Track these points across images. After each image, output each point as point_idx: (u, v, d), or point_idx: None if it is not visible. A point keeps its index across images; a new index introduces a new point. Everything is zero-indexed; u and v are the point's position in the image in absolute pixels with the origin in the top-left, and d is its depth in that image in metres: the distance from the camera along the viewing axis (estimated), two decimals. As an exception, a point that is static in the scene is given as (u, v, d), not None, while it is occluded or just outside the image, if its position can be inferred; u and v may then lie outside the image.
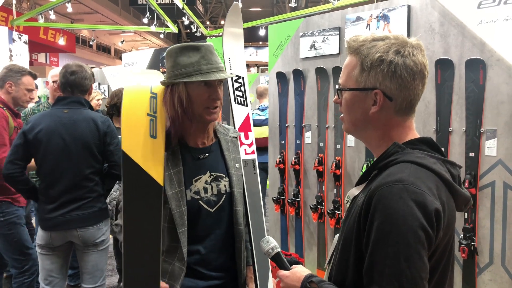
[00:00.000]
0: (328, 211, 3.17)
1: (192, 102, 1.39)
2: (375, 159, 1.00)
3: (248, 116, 1.72)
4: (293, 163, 3.42)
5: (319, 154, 3.27)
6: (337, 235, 1.06)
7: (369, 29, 2.93)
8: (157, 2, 10.32)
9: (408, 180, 0.85)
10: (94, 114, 2.41)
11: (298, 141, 3.45)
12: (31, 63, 12.37)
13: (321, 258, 3.38)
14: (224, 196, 1.49)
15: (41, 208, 2.35)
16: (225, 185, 1.50)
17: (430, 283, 0.86)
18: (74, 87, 2.39)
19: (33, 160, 2.37)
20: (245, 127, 1.69)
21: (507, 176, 2.35)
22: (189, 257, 1.43)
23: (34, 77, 2.98)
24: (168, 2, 11.10)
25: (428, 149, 0.96)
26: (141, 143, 1.29)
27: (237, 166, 1.54)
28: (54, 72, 3.27)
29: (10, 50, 5.82)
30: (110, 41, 21.13)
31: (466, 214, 2.47)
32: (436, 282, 0.91)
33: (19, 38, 6.26)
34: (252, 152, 1.66)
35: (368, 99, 0.95)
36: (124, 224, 1.24)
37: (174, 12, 10.75)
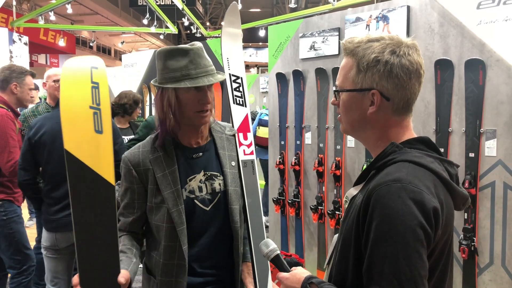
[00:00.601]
0: (328, 211, 3.17)
1: (181, 106, 1.40)
2: (373, 159, 1.00)
3: (247, 116, 1.70)
4: (293, 163, 3.43)
5: (319, 155, 3.27)
6: (336, 235, 1.07)
7: (369, 29, 2.93)
8: (157, 3, 10.32)
9: (406, 179, 0.85)
10: None
11: (298, 142, 3.46)
12: (31, 64, 12.38)
13: (321, 259, 3.38)
14: (219, 194, 1.49)
15: (46, 209, 2.36)
16: (219, 184, 1.50)
17: (429, 282, 0.86)
18: None
19: None
20: (244, 128, 1.68)
21: (507, 177, 2.35)
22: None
23: (34, 76, 2.99)
24: (168, 3, 11.11)
25: (425, 148, 0.96)
26: (85, 140, 1.15)
27: (233, 164, 1.54)
28: (53, 72, 3.26)
29: (11, 51, 5.83)
30: (110, 42, 21.14)
31: (466, 214, 2.47)
32: (436, 281, 0.91)
33: (20, 39, 6.26)
34: (251, 153, 1.64)
35: (366, 99, 0.96)
36: (75, 227, 1.15)
37: (174, 13, 10.75)
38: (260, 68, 19.57)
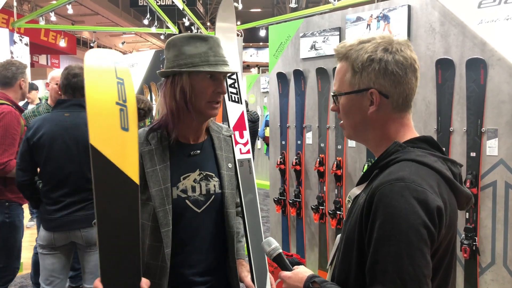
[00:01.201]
0: (329, 211, 3.16)
1: (195, 95, 1.32)
2: (375, 158, 1.00)
3: (242, 113, 1.64)
4: (294, 163, 3.42)
5: (320, 155, 3.27)
6: (338, 236, 1.06)
7: (369, 29, 2.93)
8: (157, 3, 10.31)
9: (409, 178, 0.85)
10: None
11: (299, 142, 3.45)
12: (32, 65, 12.38)
13: (322, 259, 3.37)
14: (213, 196, 1.41)
15: (44, 209, 2.35)
16: (214, 185, 1.42)
17: (433, 281, 0.86)
18: (75, 89, 2.39)
19: None
20: (240, 126, 1.62)
21: (509, 176, 2.35)
22: (173, 259, 1.35)
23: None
24: (168, 3, 11.10)
25: (428, 147, 0.96)
26: (112, 137, 1.10)
27: (230, 166, 1.46)
28: (57, 73, 3.24)
29: (11, 52, 5.82)
30: (111, 42, 21.14)
31: (467, 214, 2.47)
32: (440, 281, 0.91)
33: (20, 40, 6.26)
34: (248, 152, 1.59)
35: (365, 100, 0.96)
36: (98, 226, 1.10)
37: (174, 13, 10.74)
38: (261, 68, 19.56)
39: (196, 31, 11.34)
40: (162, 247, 1.33)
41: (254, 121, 5.80)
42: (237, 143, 1.59)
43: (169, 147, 1.38)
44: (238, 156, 1.55)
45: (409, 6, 2.71)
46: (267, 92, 6.86)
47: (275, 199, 3.64)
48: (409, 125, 0.99)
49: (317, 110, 3.29)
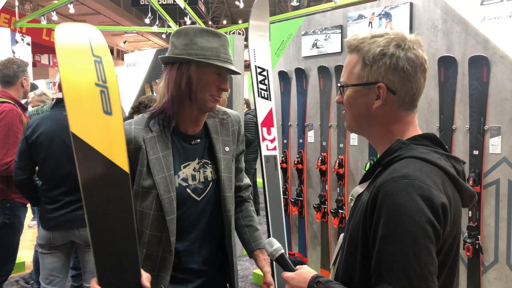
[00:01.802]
0: (332, 210, 3.16)
1: (201, 86, 1.33)
2: (378, 156, 0.99)
3: (271, 110, 1.62)
4: (295, 162, 3.41)
5: (322, 153, 3.26)
6: (342, 235, 1.05)
7: (371, 27, 2.92)
8: (159, 3, 10.31)
9: (414, 175, 0.84)
10: None
11: (300, 140, 3.44)
12: (34, 64, 12.40)
13: (324, 258, 3.37)
14: (211, 183, 1.42)
15: (43, 208, 2.35)
16: (211, 172, 1.42)
17: (439, 279, 0.85)
18: None
19: None
20: (268, 122, 1.60)
21: (512, 174, 2.34)
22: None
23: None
24: (170, 2, 11.09)
25: (431, 145, 0.95)
26: (94, 122, 1.00)
27: (227, 150, 1.45)
28: None
29: (13, 52, 5.83)
30: (112, 42, 21.15)
31: (470, 212, 2.46)
32: (445, 278, 0.90)
33: (22, 39, 6.27)
34: (274, 148, 1.57)
35: (371, 93, 0.95)
36: (89, 225, 1.02)
37: (176, 12, 10.74)
38: (262, 66, 19.54)
39: (197, 30, 11.31)
40: (163, 237, 1.32)
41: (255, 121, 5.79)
42: (264, 139, 1.57)
43: (171, 134, 1.38)
44: (264, 152, 1.54)
45: (411, 4, 2.70)
46: (269, 90, 6.83)
47: (277, 197, 3.64)
48: (413, 123, 0.98)
49: (319, 108, 3.28)
